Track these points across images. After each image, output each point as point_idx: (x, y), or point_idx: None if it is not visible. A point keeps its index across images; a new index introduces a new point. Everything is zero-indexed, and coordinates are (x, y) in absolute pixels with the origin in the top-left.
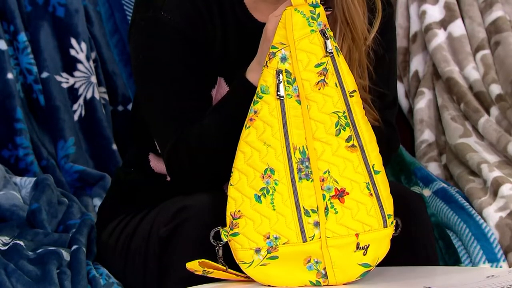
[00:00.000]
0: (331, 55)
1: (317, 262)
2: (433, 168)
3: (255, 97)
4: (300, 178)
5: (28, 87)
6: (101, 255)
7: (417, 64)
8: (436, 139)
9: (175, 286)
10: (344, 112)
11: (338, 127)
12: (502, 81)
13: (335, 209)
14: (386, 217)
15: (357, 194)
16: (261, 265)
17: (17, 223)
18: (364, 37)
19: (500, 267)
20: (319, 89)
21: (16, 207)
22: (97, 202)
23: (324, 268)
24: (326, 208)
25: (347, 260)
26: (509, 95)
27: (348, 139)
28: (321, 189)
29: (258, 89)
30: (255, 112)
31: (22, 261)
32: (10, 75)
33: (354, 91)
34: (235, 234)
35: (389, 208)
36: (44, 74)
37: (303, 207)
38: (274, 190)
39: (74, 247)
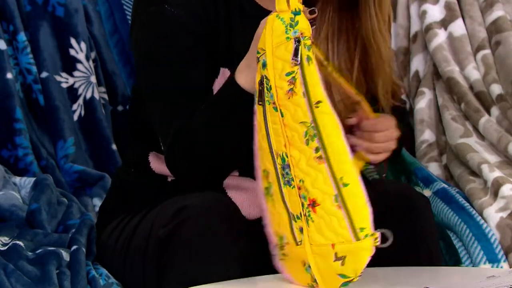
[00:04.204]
0: (299, 64)
1: (309, 267)
2: (434, 168)
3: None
4: (285, 184)
5: (28, 87)
6: (101, 255)
7: (417, 64)
8: (436, 139)
9: (174, 286)
10: (311, 123)
11: (307, 137)
12: (502, 81)
13: (311, 218)
14: (357, 230)
15: (327, 205)
16: (281, 259)
17: (17, 224)
18: (387, 61)
19: (501, 267)
20: (289, 98)
21: (15, 207)
22: (97, 202)
23: (314, 274)
24: (306, 216)
25: (328, 269)
26: (510, 95)
27: (316, 150)
28: (299, 197)
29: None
30: (254, 113)
31: (21, 261)
32: (9, 75)
33: (319, 101)
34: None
35: (361, 221)
36: (44, 74)
37: (291, 212)
38: (273, 191)
39: (74, 247)
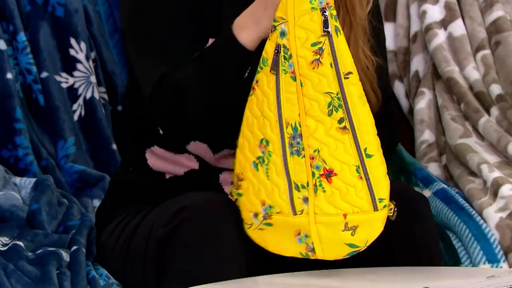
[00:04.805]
0: (329, 34)
1: (306, 236)
2: (433, 169)
3: (258, 66)
4: (292, 153)
5: (28, 87)
6: (101, 255)
7: (417, 64)
8: (436, 140)
9: (174, 286)
10: (337, 94)
11: (331, 107)
12: (502, 81)
13: (323, 188)
14: (377, 200)
15: (346, 176)
16: (258, 229)
17: (17, 224)
18: (362, 25)
19: (500, 267)
20: (313, 68)
21: (15, 207)
22: (97, 203)
23: (312, 243)
24: (315, 186)
25: (334, 238)
26: (510, 95)
27: (340, 121)
28: (311, 166)
29: (261, 59)
30: (256, 81)
31: (21, 261)
32: (9, 75)
33: (350, 72)
34: (239, 195)
35: (381, 192)
36: (44, 74)
37: (294, 182)
38: (269, 161)
39: (74, 248)
